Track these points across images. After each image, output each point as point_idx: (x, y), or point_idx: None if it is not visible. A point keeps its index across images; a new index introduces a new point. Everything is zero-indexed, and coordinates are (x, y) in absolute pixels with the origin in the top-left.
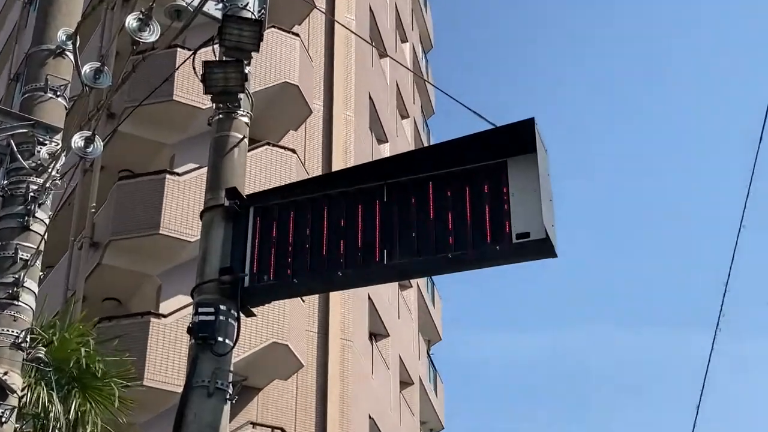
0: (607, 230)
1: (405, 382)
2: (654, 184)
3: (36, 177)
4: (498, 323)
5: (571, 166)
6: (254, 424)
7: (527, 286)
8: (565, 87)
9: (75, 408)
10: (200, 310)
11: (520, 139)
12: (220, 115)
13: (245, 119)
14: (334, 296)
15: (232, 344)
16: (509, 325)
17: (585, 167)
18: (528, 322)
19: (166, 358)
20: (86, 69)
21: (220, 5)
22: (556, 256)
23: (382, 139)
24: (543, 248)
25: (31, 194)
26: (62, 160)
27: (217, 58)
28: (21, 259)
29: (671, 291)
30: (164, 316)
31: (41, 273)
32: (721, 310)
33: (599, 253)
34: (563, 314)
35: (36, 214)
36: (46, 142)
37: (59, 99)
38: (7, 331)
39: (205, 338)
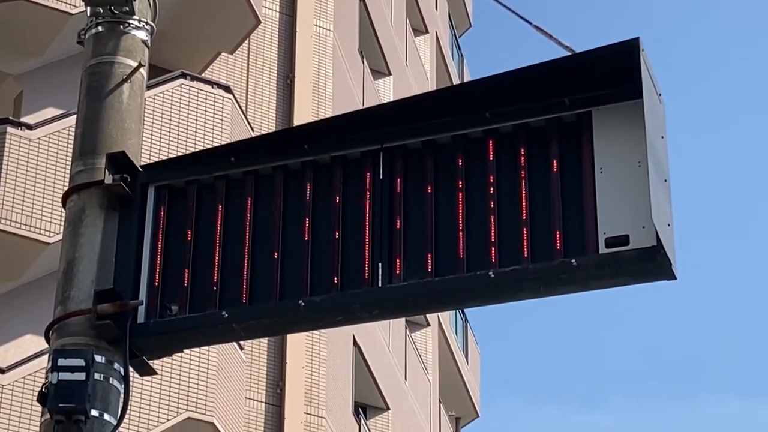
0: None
1: None
2: None
3: None
4: (568, 388)
5: None
6: None
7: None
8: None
9: None
10: (61, 362)
11: (614, 75)
12: (99, 28)
13: (143, 34)
14: (296, 341)
15: (115, 422)
16: (584, 395)
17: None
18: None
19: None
20: None
21: None
22: (675, 278)
23: (380, 69)
24: (651, 264)
25: None
26: None
27: None
28: None
29: None
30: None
31: None
32: None
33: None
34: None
35: None
36: None
37: None
38: None
39: (69, 411)
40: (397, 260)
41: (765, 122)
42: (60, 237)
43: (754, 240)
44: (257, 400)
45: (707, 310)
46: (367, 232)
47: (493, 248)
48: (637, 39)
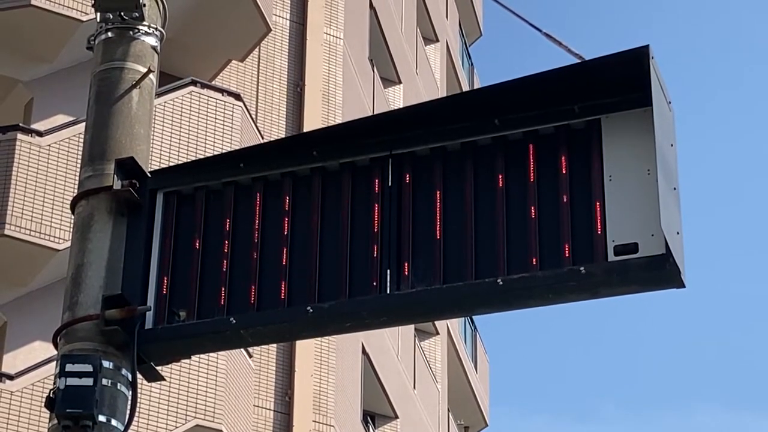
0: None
1: None
2: None
3: None
4: (574, 401)
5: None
6: None
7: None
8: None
9: None
10: (69, 368)
11: (624, 82)
12: (109, 33)
13: (152, 40)
14: (305, 349)
15: (122, 428)
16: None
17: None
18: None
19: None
20: None
21: None
22: (684, 286)
23: (391, 77)
24: (660, 272)
25: None
26: None
27: None
28: None
29: None
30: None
31: None
32: None
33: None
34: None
35: None
36: None
37: None
38: None
39: (77, 417)
40: (406, 267)
41: None
42: (69, 244)
43: (746, 251)
44: (265, 408)
45: (699, 320)
46: (376, 238)
47: (501, 255)
48: (646, 47)
